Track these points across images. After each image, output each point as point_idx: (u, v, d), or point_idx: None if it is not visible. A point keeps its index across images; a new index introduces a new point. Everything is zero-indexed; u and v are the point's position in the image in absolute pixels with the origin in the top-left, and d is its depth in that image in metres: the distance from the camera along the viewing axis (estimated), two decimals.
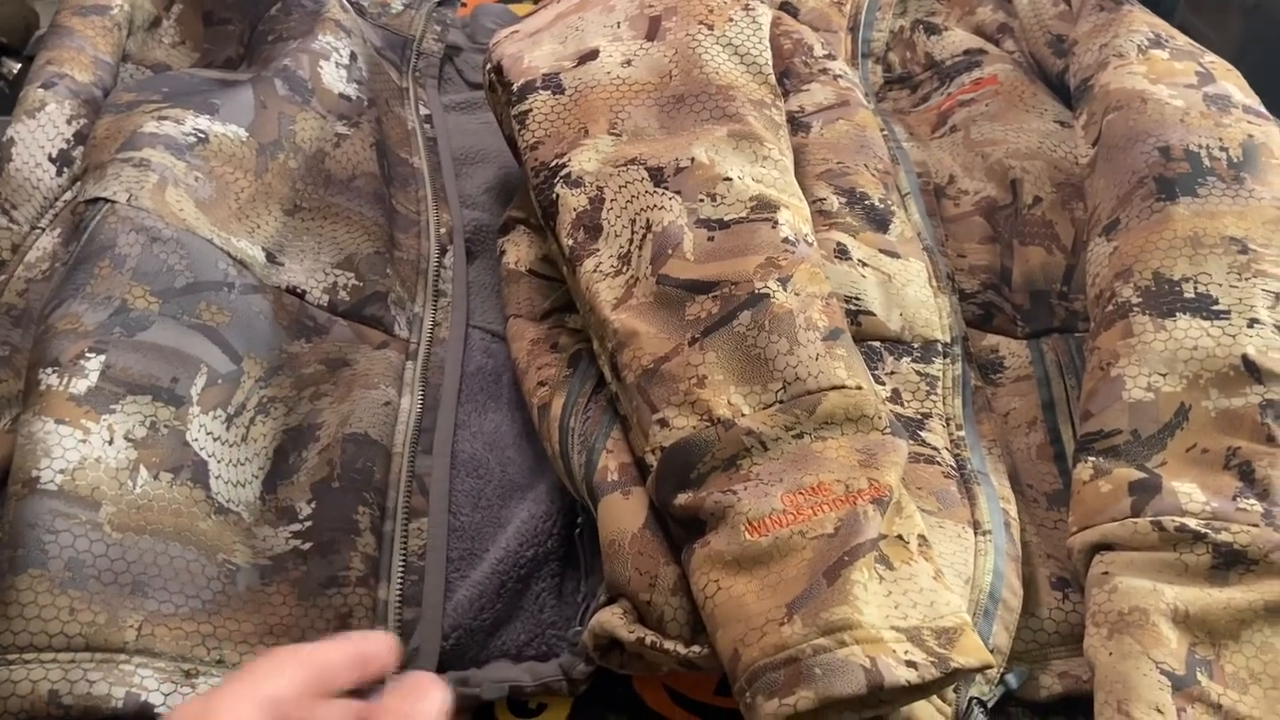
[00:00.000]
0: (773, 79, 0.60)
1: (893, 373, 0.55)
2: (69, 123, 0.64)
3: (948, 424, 0.54)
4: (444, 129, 0.77)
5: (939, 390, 0.55)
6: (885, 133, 0.72)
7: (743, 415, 0.45)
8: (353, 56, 0.71)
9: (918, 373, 0.56)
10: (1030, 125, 0.70)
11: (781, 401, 0.45)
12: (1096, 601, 0.46)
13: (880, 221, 0.62)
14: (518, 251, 0.63)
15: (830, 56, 0.74)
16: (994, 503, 0.50)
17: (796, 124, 0.68)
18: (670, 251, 0.51)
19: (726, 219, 0.51)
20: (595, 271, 0.52)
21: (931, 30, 0.81)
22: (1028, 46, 0.77)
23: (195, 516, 0.48)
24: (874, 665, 0.37)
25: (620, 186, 0.54)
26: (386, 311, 0.61)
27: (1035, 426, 0.57)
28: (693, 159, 0.53)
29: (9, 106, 0.66)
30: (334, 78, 0.69)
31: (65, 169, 0.62)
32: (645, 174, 0.54)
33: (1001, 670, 0.46)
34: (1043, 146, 0.68)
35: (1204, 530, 0.45)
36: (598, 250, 0.52)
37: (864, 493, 0.42)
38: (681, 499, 0.44)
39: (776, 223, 0.51)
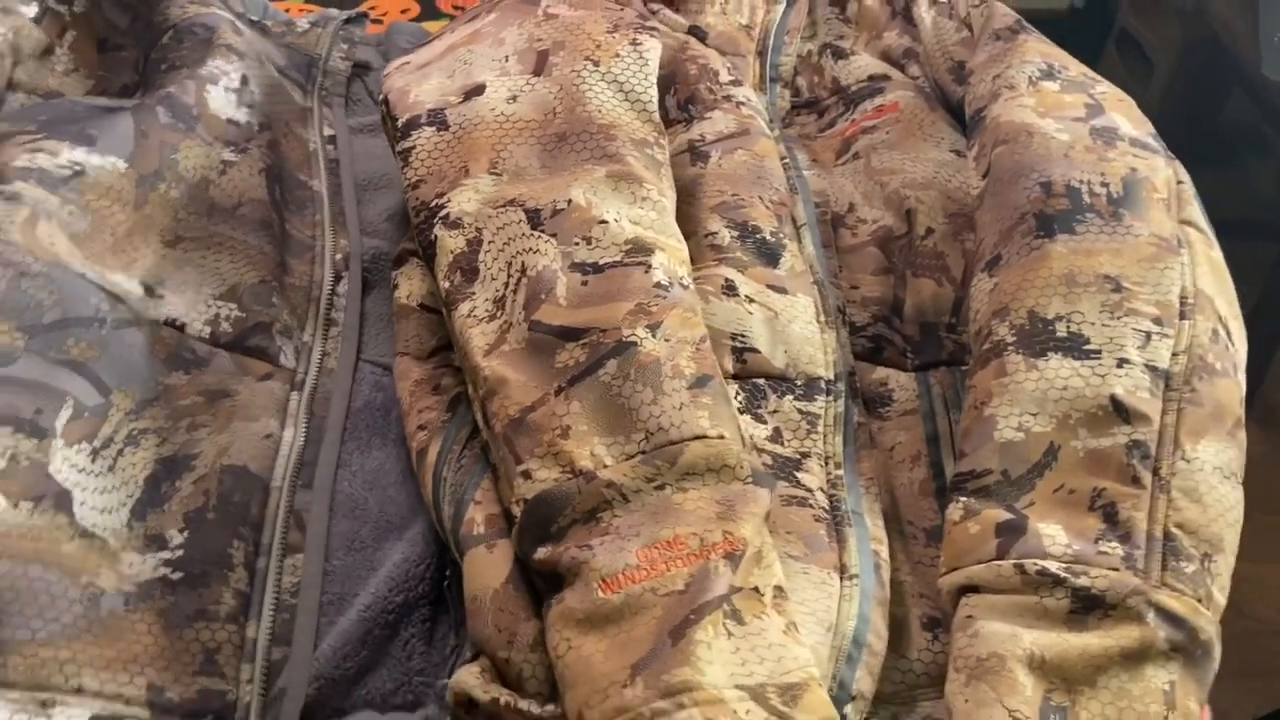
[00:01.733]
0: (656, 117, 0.60)
1: (775, 411, 0.56)
2: None
3: (826, 463, 0.54)
4: (348, 151, 0.76)
5: (820, 428, 0.55)
6: (787, 160, 0.72)
7: (605, 466, 0.45)
8: (244, 80, 0.70)
9: (800, 411, 0.56)
10: (927, 154, 0.70)
11: (644, 452, 0.45)
12: (958, 646, 0.46)
13: (770, 256, 0.62)
14: (410, 285, 0.63)
15: (736, 83, 0.74)
16: (864, 544, 0.50)
17: (695, 153, 0.68)
18: (544, 297, 0.50)
19: (601, 262, 0.51)
20: (470, 316, 0.51)
21: (839, 54, 0.81)
22: (931, 73, 0.78)
23: (58, 540, 0.48)
24: None
25: (498, 229, 0.53)
26: (271, 341, 0.60)
27: (919, 461, 0.58)
28: (569, 200, 0.53)
29: None
30: (222, 102, 0.68)
31: None
32: (523, 215, 0.53)
33: (865, 715, 0.46)
34: (938, 176, 0.69)
35: (1064, 575, 0.46)
36: (473, 294, 0.52)
37: (718, 546, 0.42)
38: (541, 553, 0.44)
39: (650, 266, 0.51)
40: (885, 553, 0.51)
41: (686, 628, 0.40)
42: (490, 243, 0.53)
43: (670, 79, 0.73)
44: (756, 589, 0.42)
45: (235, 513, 0.52)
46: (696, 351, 0.49)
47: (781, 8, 0.84)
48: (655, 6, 0.85)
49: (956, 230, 0.66)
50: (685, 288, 0.52)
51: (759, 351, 0.57)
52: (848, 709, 0.45)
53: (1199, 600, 0.46)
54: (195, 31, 0.71)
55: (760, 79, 0.82)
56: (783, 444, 0.54)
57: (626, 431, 0.46)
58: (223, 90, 0.68)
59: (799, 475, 0.53)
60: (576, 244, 0.52)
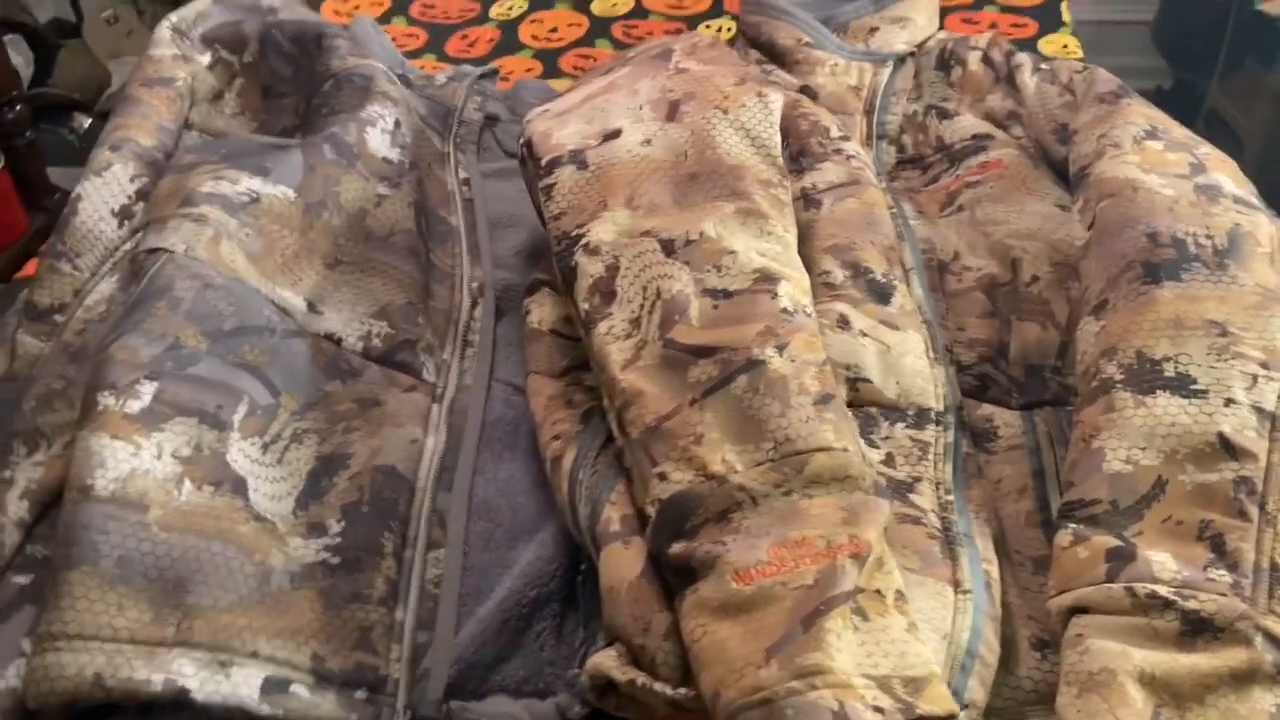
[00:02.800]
0: (780, 161, 0.64)
1: (887, 437, 0.58)
2: (131, 181, 0.69)
3: (937, 488, 0.57)
4: (481, 193, 0.82)
5: (930, 456, 0.58)
6: (894, 210, 0.76)
7: (735, 472, 0.48)
8: (397, 124, 0.77)
9: (911, 438, 0.59)
10: (1032, 207, 0.74)
11: (772, 460, 0.49)
12: (1069, 661, 0.48)
13: (882, 295, 0.65)
14: (541, 311, 0.67)
15: (845, 138, 0.79)
16: (976, 564, 0.53)
17: (809, 200, 0.72)
18: (677, 318, 0.54)
19: (730, 289, 0.55)
20: (608, 334, 0.56)
21: (943, 115, 0.85)
22: (1034, 133, 0.81)
23: (235, 521, 0.52)
24: (842, 708, 0.40)
25: (634, 256, 0.58)
26: (416, 358, 0.65)
27: (1025, 494, 0.60)
28: (701, 233, 0.57)
29: (80, 158, 0.72)
30: (379, 143, 0.74)
31: (126, 222, 0.68)
32: (657, 245, 0.58)
33: None
34: (1043, 228, 0.72)
35: (1173, 597, 0.48)
36: (611, 314, 0.56)
37: (844, 548, 0.45)
38: (676, 548, 0.47)
39: (776, 294, 0.55)
40: (996, 573, 0.53)
41: (817, 617, 0.43)
42: (627, 269, 0.57)
43: (784, 133, 0.77)
44: (879, 591, 0.45)
45: (385, 508, 0.56)
46: (820, 372, 0.52)
47: (889, 71, 0.89)
48: (769, 68, 0.90)
49: (1061, 279, 0.68)
50: (808, 315, 0.55)
51: (871, 382, 0.60)
52: (960, 716, 0.48)
53: None
54: (354, 80, 0.78)
55: (867, 136, 0.87)
56: (895, 468, 0.57)
57: (756, 440, 0.49)
58: (379, 132, 0.75)
59: (912, 497, 0.55)
60: (708, 271, 0.56)
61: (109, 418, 0.53)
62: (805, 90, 0.87)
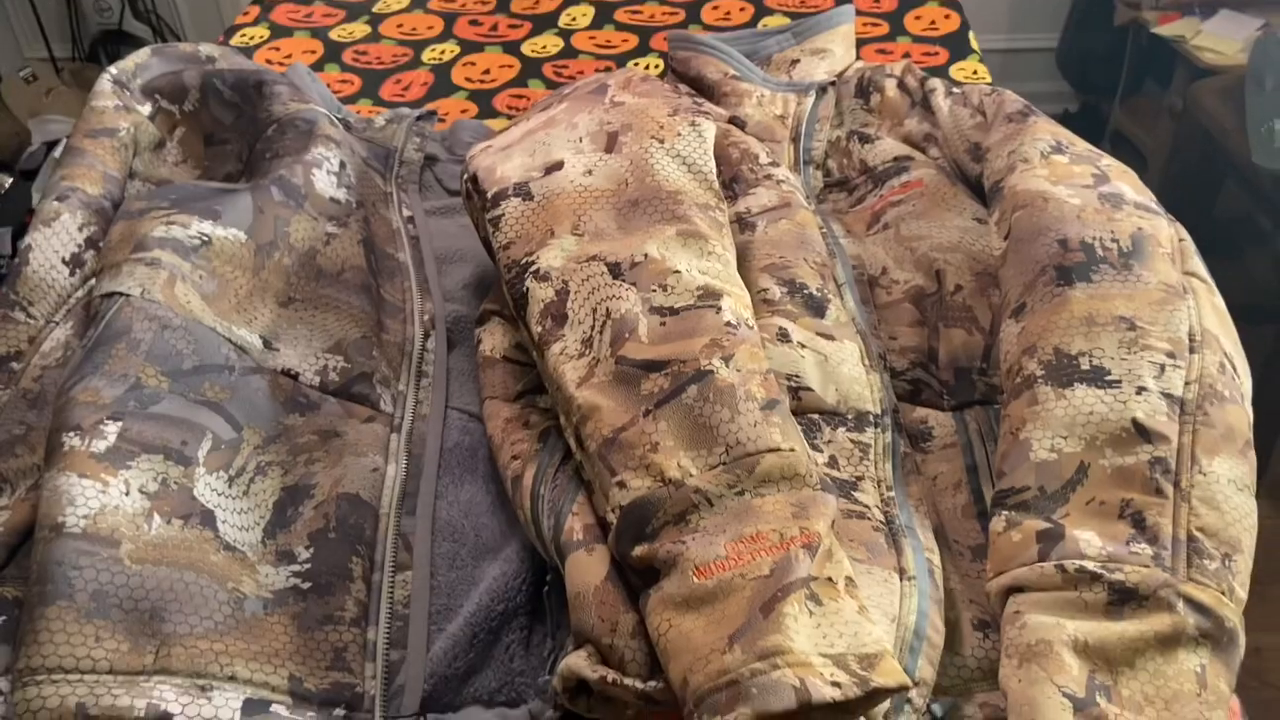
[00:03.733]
0: (716, 185, 0.67)
1: (830, 441, 0.62)
2: (80, 229, 0.70)
3: (879, 485, 0.60)
4: (425, 230, 0.85)
5: (871, 456, 0.62)
6: (824, 230, 0.80)
7: (691, 476, 0.51)
8: (342, 165, 0.79)
9: (852, 441, 0.62)
10: (952, 222, 0.78)
11: (725, 463, 0.51)
12: (1009, 636, 0.51)
13: (817, 308, 0.69)
14: (493, 340, 0.70)
15: (774, 164, 0.83)
16: (919, 553, 0.56)
17: (744, 223, 0.76)
18: (627, 335, 0.57)
19: (676, 306, 0.58)
20: (561, 354, 0.58)
21: (865, 140, 0.90)
22: (949, 153, 0.86)
23: (206, 551, 0.54)
24: (803, 684, 0.42)
25: (583, 280, 0.61)
26: (372, 390, 0.67)
27: (960, 488, 0.64)
28: (646, 254, 0.61)
29: (2, 218, 0.73)
30: (325, 184, 0.76)
31: (77, 270, 0.69)
32: (605, 268, 0.61)
33: (927, 701, 0.51)
34: (963, 241, 0.76)
35: (1100, 571, 0.52)
36: (564, 336, 0.59)
37: (796, 539, 0.48)
38: (638, 551, 0.50)
39: (720, 309, 0.58)
40: (938, 560, 0.57)
41: (775, 603, 0.45)
42: (576, 292, 0.60)
43: (716, 161, 0.81)
44: (830, 578, 0.48)
45: (352, 533, 0.58)
46: (764, 380, 0.55)
47: (811, 99, 0.94)
48: (699, 100, 0.94)
49: (982, 287, 0.73)
50: (750, 328, 0.59)
51: (812, 390, 0.64)
52: (912, 693, 0.51)
53: (1223, 593, 0.51)
54: (297, 124, 0.80)
55: (795, 162, 0.91)
56: (839, 469, 0.60)
57: (709, 445, 0.52)
58: (325, 173, 0.77)
59: (856, 494, 0.59)
60: (654, 290, 0.59)
61: (75, 458, 0.54)
62: (734, 121, 0.91)
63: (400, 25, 1.29)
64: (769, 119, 0.92)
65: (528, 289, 0.61)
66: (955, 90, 0.90)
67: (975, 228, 0.77)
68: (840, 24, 1.00)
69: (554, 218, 0.64)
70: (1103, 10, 2.14)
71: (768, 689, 0.42)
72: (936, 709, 0.51)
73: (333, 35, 1.27)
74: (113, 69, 0.83)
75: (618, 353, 0.57)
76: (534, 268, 0.62)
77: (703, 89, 0.95)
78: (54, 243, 0.69)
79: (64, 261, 0.69)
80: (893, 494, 0.60)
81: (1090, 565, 0.52)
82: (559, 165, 0.67)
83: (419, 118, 0.97)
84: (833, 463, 0.61)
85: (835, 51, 0.99)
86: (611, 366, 0.57)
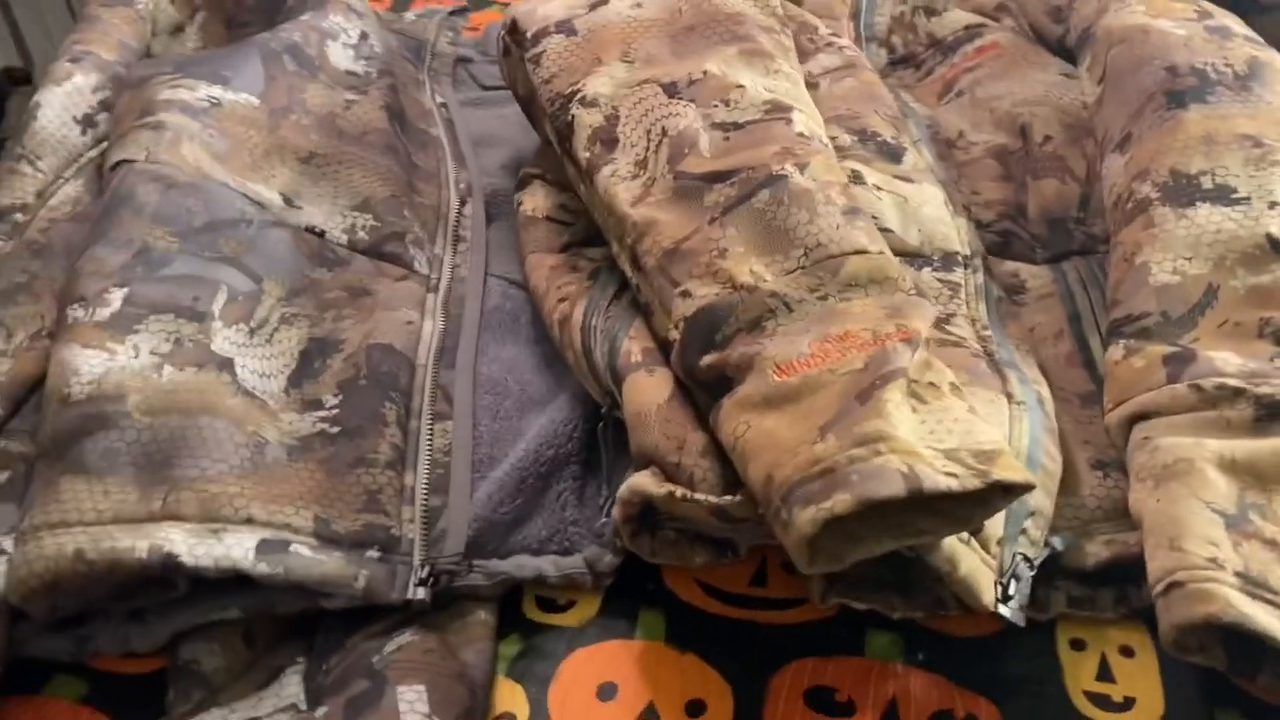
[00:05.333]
0: (780, 13, 0.61)
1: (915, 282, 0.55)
2: (94, 92, 0.65)
3: (973, 324, 0.53)
4: (460, 116, 0.79)
5: (962, 295, 0.55)
6: (893, 95, 0.73)
7: (765, 280, 0.45)
8: (363, 35, 0.73)
9: (940, 280, 0.55)
10: (1035, 77, 0.71)
11: (804, 267, 0.45)
12: (1139, 461, 0.44)
13: (893, 155, 0.62)
14: (534, 201, 0.64)
15: (835, 34, 0.76)
16: (1026, 384, 0.49)
17: (806, 84, 0.69)
18: (687, 151, 0.51)
19: (741, 121, 0.52)
20: (613, 176, 0.52)
21: (931, 12, 0.83)
22: (1026, 20, 0.79)
23: (222, 395, 0.48)
24: (912, 470, 0.36)
25: (635, 103, 0.54)
26: (405, 250, 0.61)
27: (1062, 337, 0.56)
28: (705, 71, 0.54)
29: None
30: (341, 56, 0.71)
31: (89, 130, 0.64)
32: (659, 89, 0.54)
33: (1044, 535, 0.44)
34: (1049, 94, 0.69)
35: (1244, 386, 0.44)
36: (614, 159, 0.53)
37: (892, 335, 0.41)
38: (707, 360, 0.43)
39: (791, 120, 0.52)
40: (1047, 393, 0.50)
41: (874, 390, 0.39)
42: (628, 115, 0.54)
43: None
44: (932, 383, 0.41)
45: (385, 380, 0.52)
46: (844, 189, 0.49)
47: None
48: None
49: (1074, 138, 0.66)
50: (825, 144, 0.52)
51: (893, 231, 0.57)
52: (1027, 524, 0.44)
53: None
54: None
55: (855, 39, 0.84)
56: None
57: (785, 249, 0.46)
58: (341, 46, 0.71)
59: (949, 328, 0.52)
60: (715, 106, 0.53)
61: (79, 329, 0.49)
62: None
63: None
64: None
65: (574, 116, 0.55)
66: None
67: (1063, 81, 0.70)
68: None
69: (601, 48, 0.58)
70: None
71: (871, 475, 0.35)
72: (1056, 542, 0.44)
73: None
74: None
75: (676, 169, 0.50)
76: (580, 95, 0.56)
77: None
78: (65, 101, 0.64)
79: (75, 120, 0.64)
80: (989, 333, 0.53)
81: (1231, 382, 0.45)
82: (604, 1, 0.61)
83: (450, 13, 0.92)
84: None
85: None
86: (670, 182, 0.50)
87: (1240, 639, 0.39)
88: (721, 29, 0.58)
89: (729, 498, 0.41)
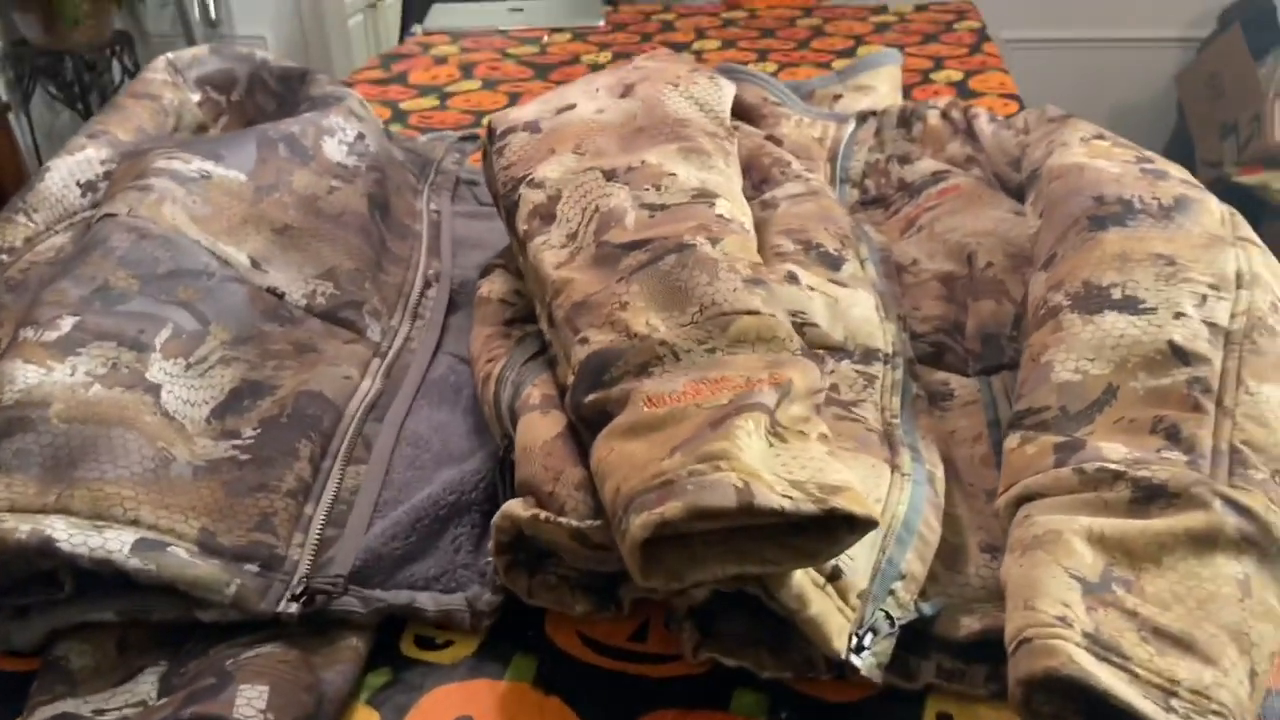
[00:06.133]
0: (728, 123, 0.65)
1: (832, 371, 0.56)
2: (102, 164, 0.71)
3: (882, 412, 0.54)
4: (450, 221, 0.84)
5: (876, 386, 0.56)
6: (853, 222, 0.76)
7: (658, 331, 0.46)
8: (359, 135, 0.79)
9: (857, 371, 0.57)
10: (988, 214, 0.74)
11: (696, 322, 0.47)
12: (1014, 536, 0.44)
13: (833, 264, 0.65)
14: (492, 285, 0.67)
15: (808, 170, 0.80)
16: (919, 462, 0.50)
17: (766, 205, 0.73)
18: (613, 225, 0.54)
19: (668, 203, 0.55)
20: (544, 245, 0.55)
21: (904, 161, 0.87)
22: (991, 169, 0.83)
23: (141, 412, 0.50)
24: (747, 486, 0.36)
25: (577, 185, 0.58)
26: (361, 318, 0.64)
27: (980, 440, 0.57)
28: (643, 161, 0.58)
29: None
30: (334, 150, 0.76)
31: (89, 194, 0.69)
32: (600, 175, 0.58)
33: (914, 599, 0.44)
34: (998, 228, 0.72)
35: (1123, 470, 0.45)
36: (549, 231, 0.56)
37: (763, 381, 0.43)
38: (590, 397, 0.45)
39: (714, 204, 0.55)
40: (940, 474, 0.50)
41: (728, 419, 0.40)
42: (569, 197, 0.58)
43: (747, 168, 0.79)
44: (801, 431, 0.42)
45: (308, 421, 0.54)
46: (755, 267, 0.51)
47: (851, 125, 0.92)
48: (735, 124, 0.94)
49: (1016, 265, 0.68)
50: (746, 231, 0.55)
51: (818, 326, 0.59)
52: (897, 585, 0.43)
53: (1272, 501, 0.43)
54: (327, 100, 0.81)
55: (831, 179, 0.89)
56: (839, 394, 0.55)
57: (682, 306, 0.48)
58: (337, 143, 0.77)
59: (854, 410, 0.53)
60: (647, 189, 0.56)
61: (25, 346, 0.52)
62: (770, 138, 0.90)
63: (467, 99, 1.34)
64: (806, 139, 0.91)
65: (520, 195, 0.59)
66: (999, 118, 0.88)
67: (1012, 217, 0.73)
68: (885, 64, 1.00)
69: (558, 141, 0.63)
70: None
71: (705, 486, 0.36)
72: (927, 608, 0.44)
73: (402, 106, 1.32)
74: (169, 55, 0.86)
75: (600, 239, 0.54)
76: (530, 177, 0.60)
77: (740, 113, 0.95)
78: (73, 168, 0.70)
79: (78, 184, 0.69)
80: (896, 420, 0.54)
81: (1112, 466, 0.45)
82: (571, 107, 0.66)
83: (462, 138, 0.99)
84: (834, 390, 0.55)
85: (880, 89, 0.98)
86: (593, 251, 0.53)
87: (1103, 715, 0.38)
88: (668, 130, 0.62)
89: (589, 522, 0.41)
